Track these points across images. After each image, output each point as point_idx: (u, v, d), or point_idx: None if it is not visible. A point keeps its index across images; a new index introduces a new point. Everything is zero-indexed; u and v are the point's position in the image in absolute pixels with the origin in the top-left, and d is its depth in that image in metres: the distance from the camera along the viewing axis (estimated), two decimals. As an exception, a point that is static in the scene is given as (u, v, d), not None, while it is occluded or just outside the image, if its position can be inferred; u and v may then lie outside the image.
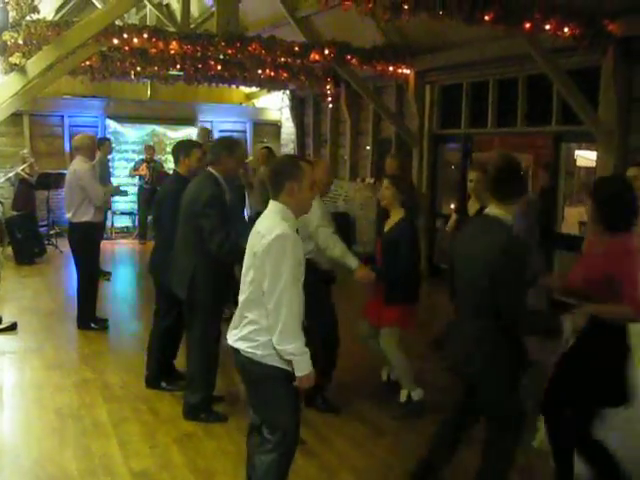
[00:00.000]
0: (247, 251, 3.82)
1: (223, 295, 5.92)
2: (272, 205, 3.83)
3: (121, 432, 5.65)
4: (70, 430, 5.69)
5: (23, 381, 6.89)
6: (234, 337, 3.86)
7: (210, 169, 5.77)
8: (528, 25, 7.81)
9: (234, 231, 5.60)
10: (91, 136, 9.33)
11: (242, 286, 3.83)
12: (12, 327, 8.45)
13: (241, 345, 3.80)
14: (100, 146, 11.59)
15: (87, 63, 11.41)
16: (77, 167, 8.47)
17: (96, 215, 8.57)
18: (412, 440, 5.53)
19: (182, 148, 6.54)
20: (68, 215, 8.58)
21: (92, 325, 8.60)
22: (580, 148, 13.39)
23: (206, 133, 13.19)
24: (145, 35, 9.99)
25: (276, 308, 3.60)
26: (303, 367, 3.67)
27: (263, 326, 3.69)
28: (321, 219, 5.75)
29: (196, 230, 5.57)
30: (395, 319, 5.98)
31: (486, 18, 7.56)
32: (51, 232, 14.64)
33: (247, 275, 3.79)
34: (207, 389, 5.86)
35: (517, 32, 8.03)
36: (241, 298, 3.84)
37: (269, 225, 3.72)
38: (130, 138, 17.28)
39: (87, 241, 8.49)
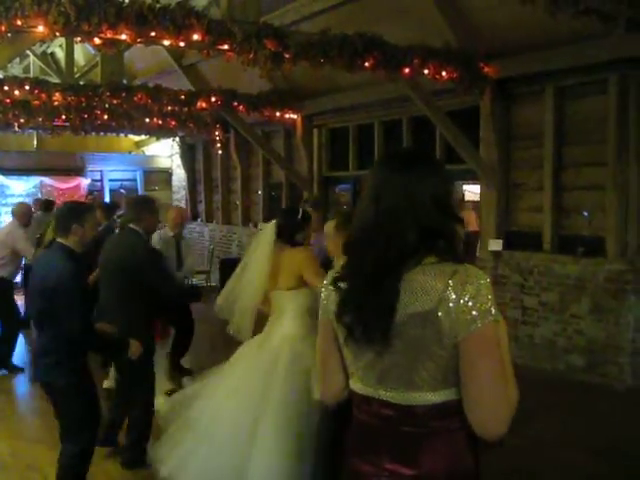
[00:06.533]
0: None
1: None
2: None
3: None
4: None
5: None
6: None
7: (131, 226, 5.87)
8: (407, 70, 8.02)
9: None
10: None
11: None
12: None
13: None
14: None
15: (-35, 114, 11.11)
16: None
17: None
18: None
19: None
20: None
21: None
22: (467, 183, 13.75)
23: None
24: (27, 87, 9.79)
25: None
26: None
27: None
28: None
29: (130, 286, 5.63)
30: None
31: (366, 64, 7.73)
32: None
33: None
34: None
35: (397, 77, 8.24)
36: None
37: None
38: (16, 191, 16.71)
39: None
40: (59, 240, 4.72)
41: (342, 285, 2.19)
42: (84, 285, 4.82)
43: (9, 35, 6.24)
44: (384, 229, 2.08)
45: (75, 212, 4.85)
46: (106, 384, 7.45)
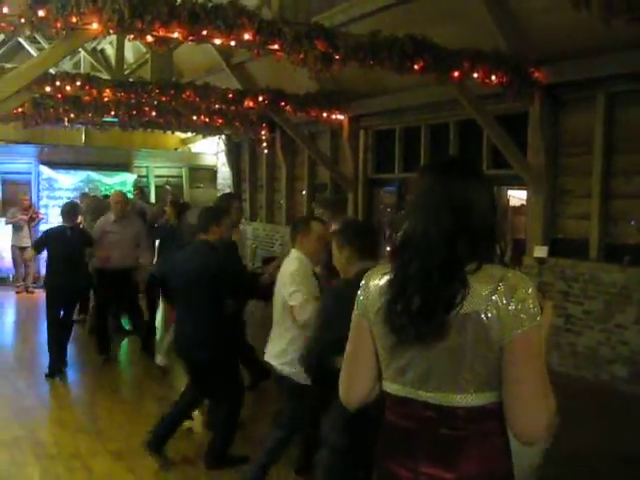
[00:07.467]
0: None
1: None
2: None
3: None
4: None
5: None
6: None
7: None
8: (457, 74, 8.01)
9: None
10: None
11: None
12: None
13: None
14: None
15: (19, 109, 11.28)
16: None
17: None
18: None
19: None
20: None
21: None
22: (512, 188, 13.60)
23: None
24: (78, 83, 9.92)
25: None
26: None
27: None
28: None
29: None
30: None
31: (416, 67, 7.72)
32: None
33: None
34: None
35: (446, 80, 8.21)
36: None
37: None
38: (64, 184, 16.91)
39: None
40: (201, 237, 5.74)
41: (390, 282, 2.20)
42: (229, 267, 5.82)
43: (64, 32, 6.36)
44: (434, 234, 2.11)
45: (213, 215, 5.85)
46: (159, 360, 8.11)
